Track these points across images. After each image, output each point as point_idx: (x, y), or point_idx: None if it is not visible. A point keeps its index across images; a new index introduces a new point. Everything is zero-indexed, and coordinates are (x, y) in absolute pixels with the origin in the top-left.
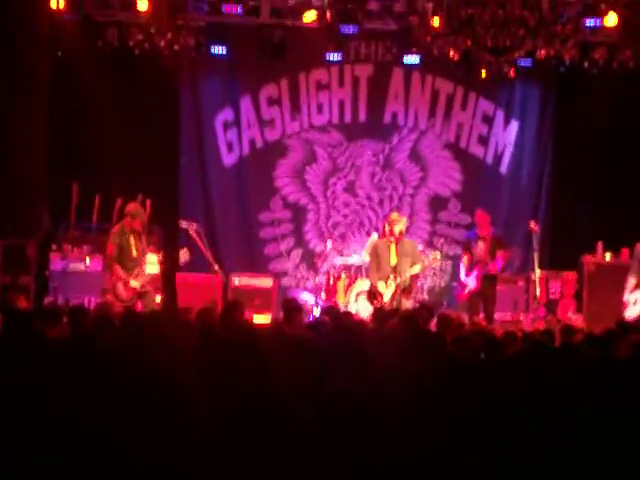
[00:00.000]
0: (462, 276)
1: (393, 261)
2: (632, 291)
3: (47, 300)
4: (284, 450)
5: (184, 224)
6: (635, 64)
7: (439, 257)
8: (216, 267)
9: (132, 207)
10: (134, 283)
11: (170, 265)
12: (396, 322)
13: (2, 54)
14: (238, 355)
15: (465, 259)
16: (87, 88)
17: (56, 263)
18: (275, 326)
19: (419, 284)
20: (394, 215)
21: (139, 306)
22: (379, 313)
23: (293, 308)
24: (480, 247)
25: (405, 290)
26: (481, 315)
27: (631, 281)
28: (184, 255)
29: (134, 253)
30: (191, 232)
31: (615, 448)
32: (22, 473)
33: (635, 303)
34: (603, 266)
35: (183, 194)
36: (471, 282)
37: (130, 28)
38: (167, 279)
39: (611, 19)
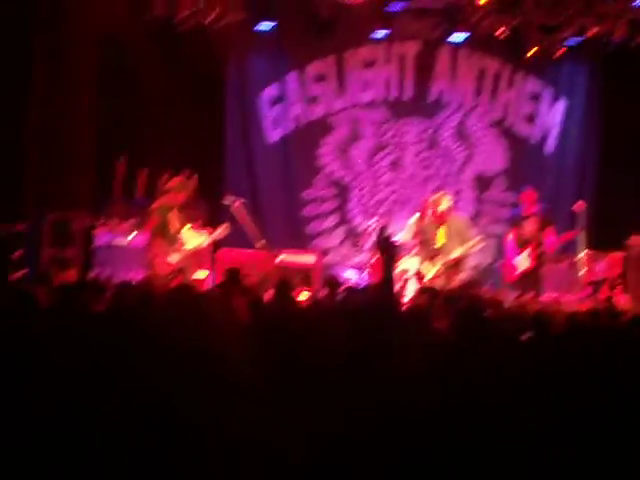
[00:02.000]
0: (513, 256)
1: (440, 241)
2: None
3: (92, 274)
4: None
5: (228, 199)
6: None
7: (479, 240)
8: (261, 243)
9: (177, 182)
10: (173, 258)
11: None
12: (440, 302)
13: (49, 26)
14: (288, 336)
15: (511, 236)
16: (134, 62)
17: (101, 237)
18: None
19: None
20: (436, 195)
21: (176, 281)
22: (423, 291)
23: (335, 285)
24: (530, 226)
25: (452, 269)
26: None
27: None
28: (225, 230)
29: (175, 228)
30: (233, 209)
31: None
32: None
33: None
34: None
35: (228, 170)
36: (524, 261)
37: (177, 3)
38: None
39: None
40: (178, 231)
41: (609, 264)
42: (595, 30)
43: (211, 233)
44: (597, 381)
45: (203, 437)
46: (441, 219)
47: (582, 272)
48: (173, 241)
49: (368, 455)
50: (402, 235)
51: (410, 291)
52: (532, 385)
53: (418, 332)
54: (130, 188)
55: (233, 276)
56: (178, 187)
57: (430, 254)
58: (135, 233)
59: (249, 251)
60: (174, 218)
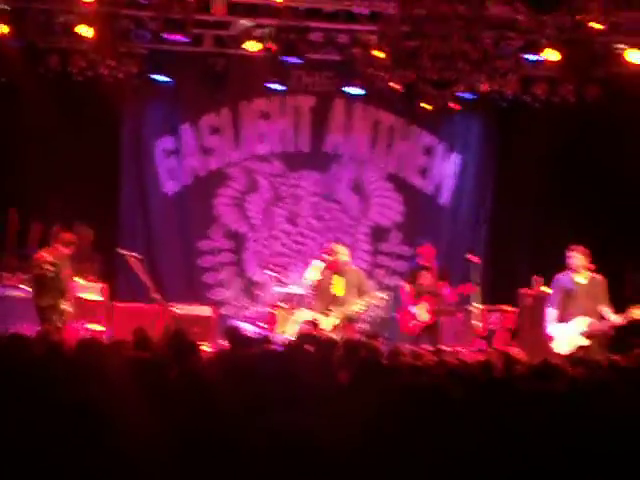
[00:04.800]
0: (410, 308)
1: (339, 292)
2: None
3: None
4: None
5: (123, 252)
6: (576, 98)
7: (381, 297)
8: (156, 296)
9: (69, 236)
10: (65, 306)
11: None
12: (340, 353)
13: None
14: (186, 385)
15: (408, 289)
16: (28, 114)
17: None
18: (220, 354)
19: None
20: (335, 246)
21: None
22: (321, 343)
23: (236, 337)
24: (427, 278)
25: (350, 321)
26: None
27: (552, 313)
28: None
29: (67, 279)
30: (130, 260)
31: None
32: None
33: (565, 338)
34: (540, 299)
35: (123, 222)
36: (422, 314)
37: (72, 55)
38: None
39: (551, 53)
40: (70, 280)
41: (502, 316)
42: (487, 86)
43: (104, 286)
44: (492, 431)
45: None
46: (338, 269)
47: (476, 324)
48: (64, 291)
49: None
50: (308, 276)
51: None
52: (431, 434)
53: (320, 383)
54: (23, 241)
55: (139, 335)
56: (71, 240)
57: (326, 303)
58: (27, 285)
59: (145, 305)
60: (67, 269)
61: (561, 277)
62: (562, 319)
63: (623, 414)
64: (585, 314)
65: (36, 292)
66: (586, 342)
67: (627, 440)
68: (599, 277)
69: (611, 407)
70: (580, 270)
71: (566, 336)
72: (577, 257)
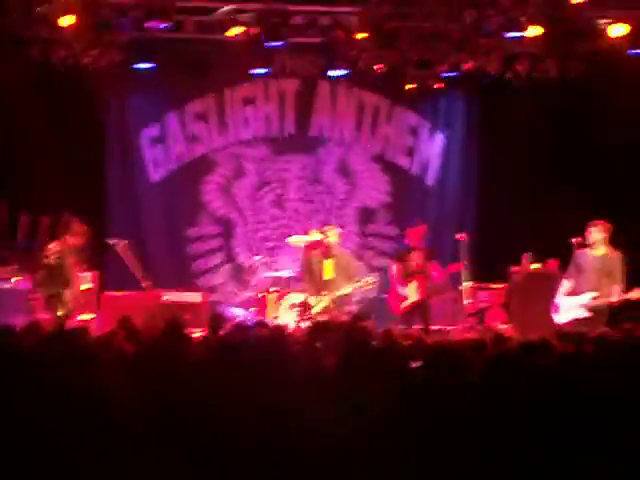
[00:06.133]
0: (399, 289)
1: (328, 275)
2: (565, 295)
3: None
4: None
5: (112, 241)
6: (558, 74)
7: (371, 281)
8: (145, 284)
9: (81, 227)
10: (68, 296)
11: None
12: (334, 335)
13: None
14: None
15: (395, 269)
16: (10, 104)
17: None
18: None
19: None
20: (326, 228)
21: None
22: (314, 326)
23: (219, 323)
24: (416, 258)
25: (341, 304)
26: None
27: (566, 284)
28: None
29: (71, 270)
30: (118, 249)
31: (550, 454)
32: None
33: (568, 310)
34: (530, 276)
35: (111, 211)
36: (412, 294)
37: (53, 44)
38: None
39: (532, 30)
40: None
41: (493, 294)
42: (470, 64)
43: (93, 274)
44: (486, 409)
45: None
46: (328, 252)
47: (466, 303)
48: (68, 281)
49: None
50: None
51: (292, 321)
52: (422, 417)
53: (309, 366)
54: (11, 232)
55: (125, 324)
56: (80, 231)
57: (317, 287)
58: (16, 278)
59: (134, 293)
60: (72, 260)
61: (579, 252)
62: (574, 292)
63: (610, 386)
64: (595, 289)
65: (42, 281)
66: (587, 314)
67: (614, 411)
68: (615, 254)
69: (598, 380)
70: (596, 246)
71: (570, 307)
72: (593, 233)
